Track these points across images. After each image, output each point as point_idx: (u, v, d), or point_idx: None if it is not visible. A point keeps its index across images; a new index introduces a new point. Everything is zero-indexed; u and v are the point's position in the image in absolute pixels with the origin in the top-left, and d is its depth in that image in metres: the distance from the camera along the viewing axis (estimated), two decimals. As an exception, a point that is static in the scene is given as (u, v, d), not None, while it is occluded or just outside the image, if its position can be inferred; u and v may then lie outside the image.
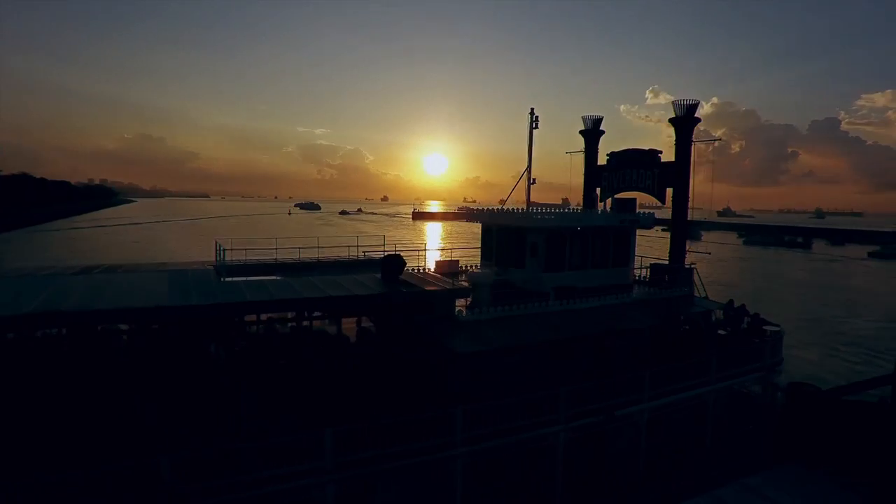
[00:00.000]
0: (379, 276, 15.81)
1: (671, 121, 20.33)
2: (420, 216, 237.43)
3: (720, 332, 19.85)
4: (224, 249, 16.34)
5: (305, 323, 15.59)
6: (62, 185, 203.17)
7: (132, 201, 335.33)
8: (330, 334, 15.85)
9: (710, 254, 26.83)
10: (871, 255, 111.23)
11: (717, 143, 21.09)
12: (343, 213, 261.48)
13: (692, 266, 20.13)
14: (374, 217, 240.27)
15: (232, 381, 12.17)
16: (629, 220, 19.49)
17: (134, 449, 10.20)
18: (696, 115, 19.90)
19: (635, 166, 21.70)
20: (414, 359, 13.81)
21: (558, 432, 13.73)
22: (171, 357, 11.95)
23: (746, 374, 17.35)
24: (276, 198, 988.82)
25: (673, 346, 17.20)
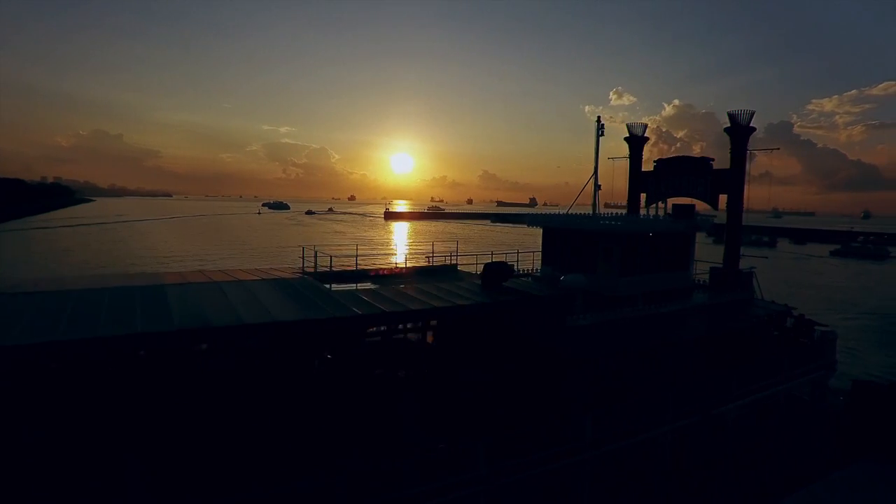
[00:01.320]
0: (478, 283, 16.00)
1: (726, 130, 21.22)
2: (392, 216, 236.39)
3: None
4: (331, 257, 16.12)
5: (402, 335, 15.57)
6: (17, 184, 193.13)
7: (91, 200, 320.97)
8: (435, 344, 15.90)
9: (766, 258, 28.00)
10: (832, 253, 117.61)
11: (773, 152, 22.06)
12: (309, 212, 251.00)
13: (752, 269, 21.11)
14: (346, 217, 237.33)
15: (395, 394, 12.12)
16: (693, 226, 20.21)
17: (306, 465, 10.12)
18: (751, 125, 20.84)
19: (686, 173, 22.51)
20: (555, 366, 13.98)
21: (666, 432, 14.29)
22: (331, 371, 11.81)
23: (810, 373, 18.35)
24: (240, 197, 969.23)
25: (742, 347, 18.06)
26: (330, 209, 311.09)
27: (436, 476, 10.54)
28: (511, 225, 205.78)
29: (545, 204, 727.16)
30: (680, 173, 22.81)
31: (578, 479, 12.78)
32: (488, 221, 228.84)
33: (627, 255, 18.72)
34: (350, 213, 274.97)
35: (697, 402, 14.98)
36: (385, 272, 18.84)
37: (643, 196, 24.86)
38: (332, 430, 11.09)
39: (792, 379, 17.67)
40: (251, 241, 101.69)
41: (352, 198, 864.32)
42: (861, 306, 52.36)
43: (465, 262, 21.63)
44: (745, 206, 21.15)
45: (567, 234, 20.35)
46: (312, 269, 16.51)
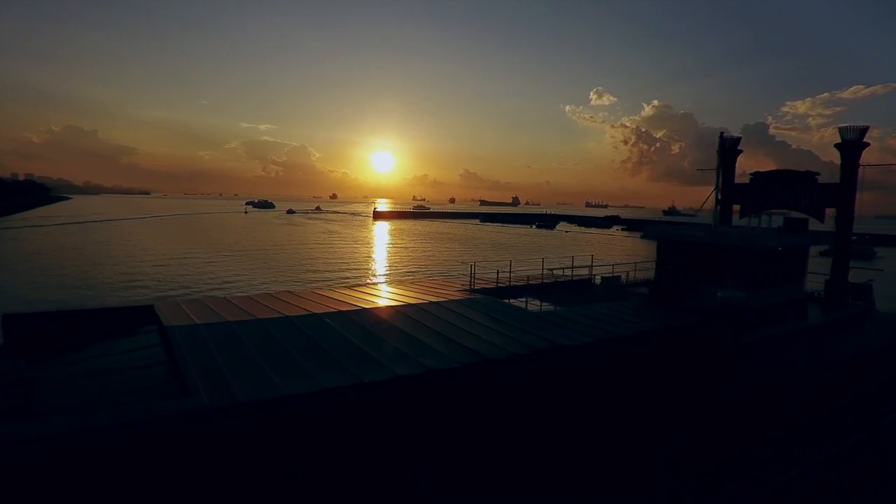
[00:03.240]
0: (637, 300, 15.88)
1: (837, 146, 21.52)
2: (381, 215, 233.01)
3: None
4: (498, 271, 15.67)
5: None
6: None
7: (68, 198, 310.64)
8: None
9: (882, 270, 28.53)
10: (821, 253, 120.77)
11: (892, 167, 22.48)
12: (290, 211, 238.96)
13: (870, 282, 21.48)
14: (334, 216, 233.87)
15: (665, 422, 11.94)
16: (812, 239, 20.48)
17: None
18: (864, 140, 21.18)
19: (789, 187, 22.79)
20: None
21: (847, 446, 14.40)
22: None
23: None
24: (220, 195, 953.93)
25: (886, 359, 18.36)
26: (317, 207, 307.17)
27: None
28: (500, 224, 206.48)
29: (527, 203, 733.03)
30: (781, 187, 23.07)
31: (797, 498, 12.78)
32: (477, 221, 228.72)
33: (760, 270, 18.82)
34: (338, 212, 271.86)
35: (864, 413, 15.17)
36: (529, 287, 18.42)
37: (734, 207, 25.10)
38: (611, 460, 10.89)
39: None
40: (253, 242, 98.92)
41: (334, 196, 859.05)
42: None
43: (524, 272, 21.33)
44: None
45: (688, 246, 20.30)
46: (470, 285, 16.06)
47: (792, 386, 14.29)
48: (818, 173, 22.69)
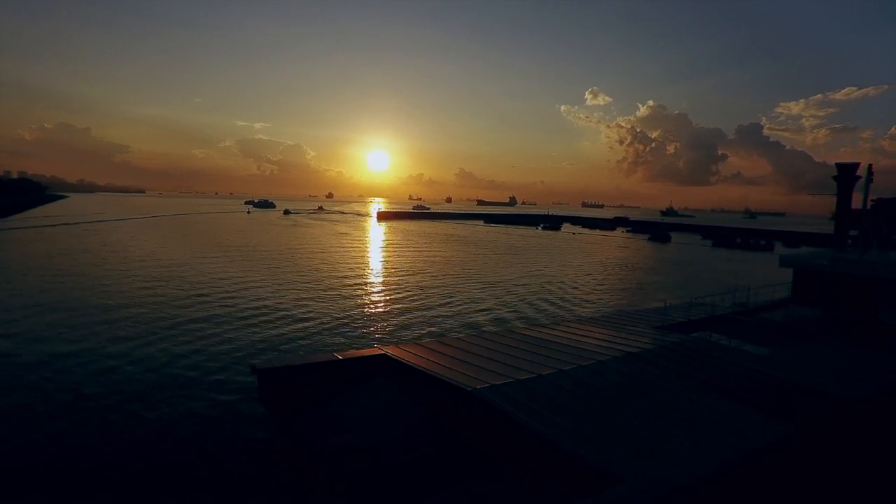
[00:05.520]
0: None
1: (977, 175, 21.46)
2: (384, 216, 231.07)
3: None
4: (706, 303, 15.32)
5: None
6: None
7: (64, 196, 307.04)
8: None
9: None
10: None
11: None
12: (286, 212, 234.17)
13: None
14: (337, 217, 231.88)
15: None
16: None
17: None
18: None
19: (918, 213, 22.68)
20: None
21: None
22: None
23: None
24: (216, 194, 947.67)
25: None
26: (320, 207, 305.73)
27: None
28: (504, 226, 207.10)
29: (524, 203, 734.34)
30: (909, 213, 22.94)
31: None
32: (481, 222, 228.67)
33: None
34: (341, 213, 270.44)
35: None
36: (701, 322, 17.88)
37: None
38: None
39: None
40: (275, 245, 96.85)
41: (330, 195, 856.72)
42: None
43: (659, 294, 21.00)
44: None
45: (833, 277, 20.02)
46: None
47: None
48: (950, 201, 22.65)
